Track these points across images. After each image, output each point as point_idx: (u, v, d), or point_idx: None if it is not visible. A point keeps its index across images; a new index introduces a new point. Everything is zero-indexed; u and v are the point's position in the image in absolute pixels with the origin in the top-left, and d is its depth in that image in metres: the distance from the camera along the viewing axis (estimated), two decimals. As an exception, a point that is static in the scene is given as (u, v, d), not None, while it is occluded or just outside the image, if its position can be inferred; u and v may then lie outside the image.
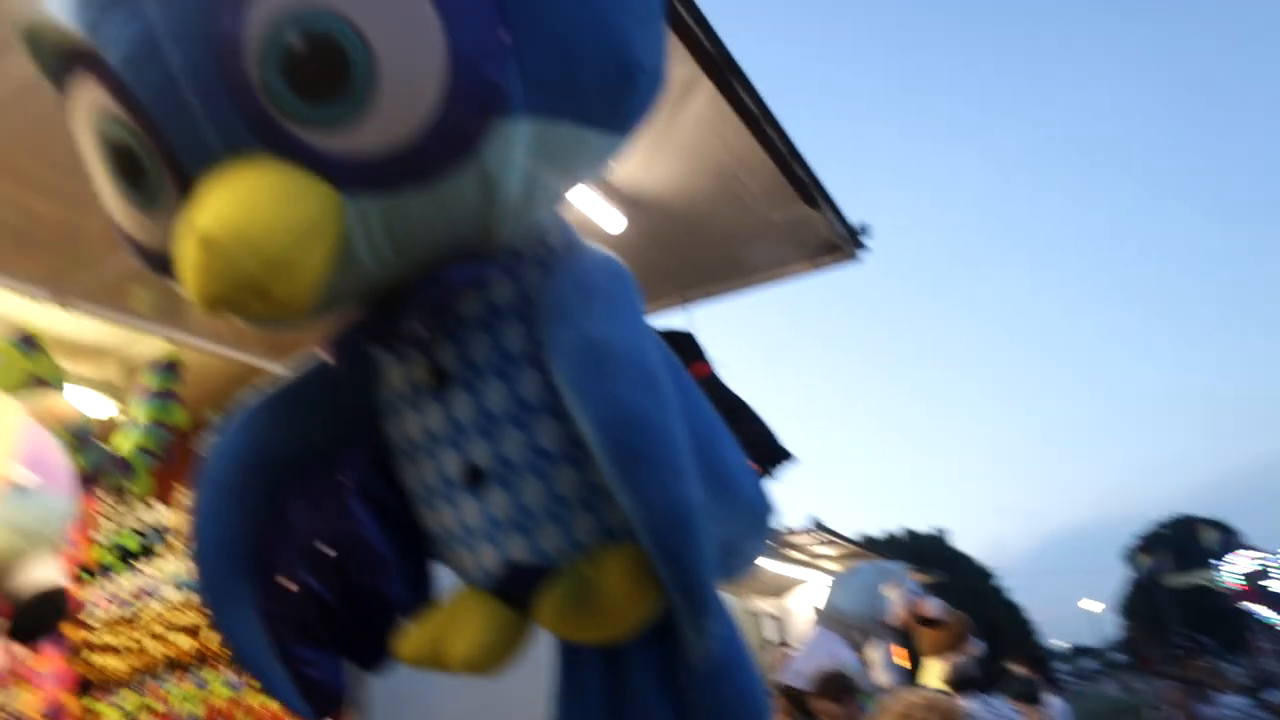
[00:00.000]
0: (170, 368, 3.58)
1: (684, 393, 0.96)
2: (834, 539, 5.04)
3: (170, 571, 4.29)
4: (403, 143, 0.72)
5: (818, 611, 4.34)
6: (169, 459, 3.62)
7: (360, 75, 0.69)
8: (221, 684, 3.92)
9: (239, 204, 0.70)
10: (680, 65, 2.10)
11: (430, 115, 0.72)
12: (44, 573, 1.54)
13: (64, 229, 2.64)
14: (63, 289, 2.90)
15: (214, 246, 0.69)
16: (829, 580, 5.64)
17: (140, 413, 3.50)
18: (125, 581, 4.42)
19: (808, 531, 4.87)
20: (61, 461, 1.61)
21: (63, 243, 2.71)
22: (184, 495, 4.39)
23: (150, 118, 0.75)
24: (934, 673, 5.26)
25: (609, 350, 0.80)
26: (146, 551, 4.46)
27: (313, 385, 1.11)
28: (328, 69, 0.69)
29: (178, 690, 4.03)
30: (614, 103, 0.85)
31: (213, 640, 4.00)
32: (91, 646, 4.43)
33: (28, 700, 4.28)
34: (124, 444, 3.46)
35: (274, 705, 3.78)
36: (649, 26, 0.87)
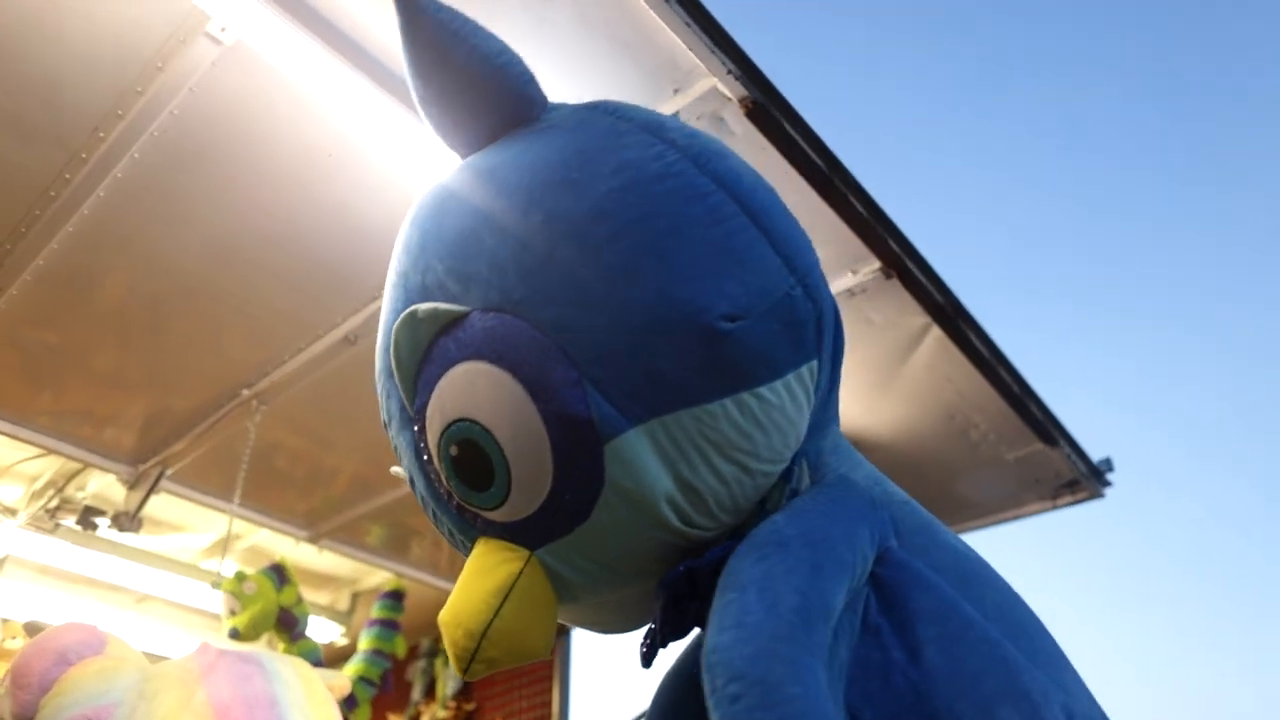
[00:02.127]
0: (395, 596, 3.75)
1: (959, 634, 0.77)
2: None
3: (375, 805, 4.27)
4: (544, 502, 0.82)
5: None
6: (385, 689, 3.70)
7: (496, 458, 0.82)
8: None
9: (459, 588, 0.85)
10: (910, 316, 2.11)
11: (553, 471, 0.81)
12: None
13: (321, 474, 2.92)
14: (314, 528, 3.16)
15: (444, 629, 0.83)
16: None
17: (364, 641, 3.64)
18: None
19: None
20: None
21: (317, 486, 2.99)
22: (394, 724, 4.45)
23: (437, 523, 0.97)
24: None
25: (714, 662, 0.67)
26: (354, 779, 4.49)
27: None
28: (476, 461, 0.83)
29: None
30: (714, 370, 0.79)
31: None
32: None
33: None
34: (347, 673, 3.59)
35: None
36: (727, 269, 0.79)
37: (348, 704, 3.50)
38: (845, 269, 2.00)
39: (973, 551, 0.89)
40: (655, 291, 0.78)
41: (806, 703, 0.63)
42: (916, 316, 2.11)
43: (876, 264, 1.97)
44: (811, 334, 0.85)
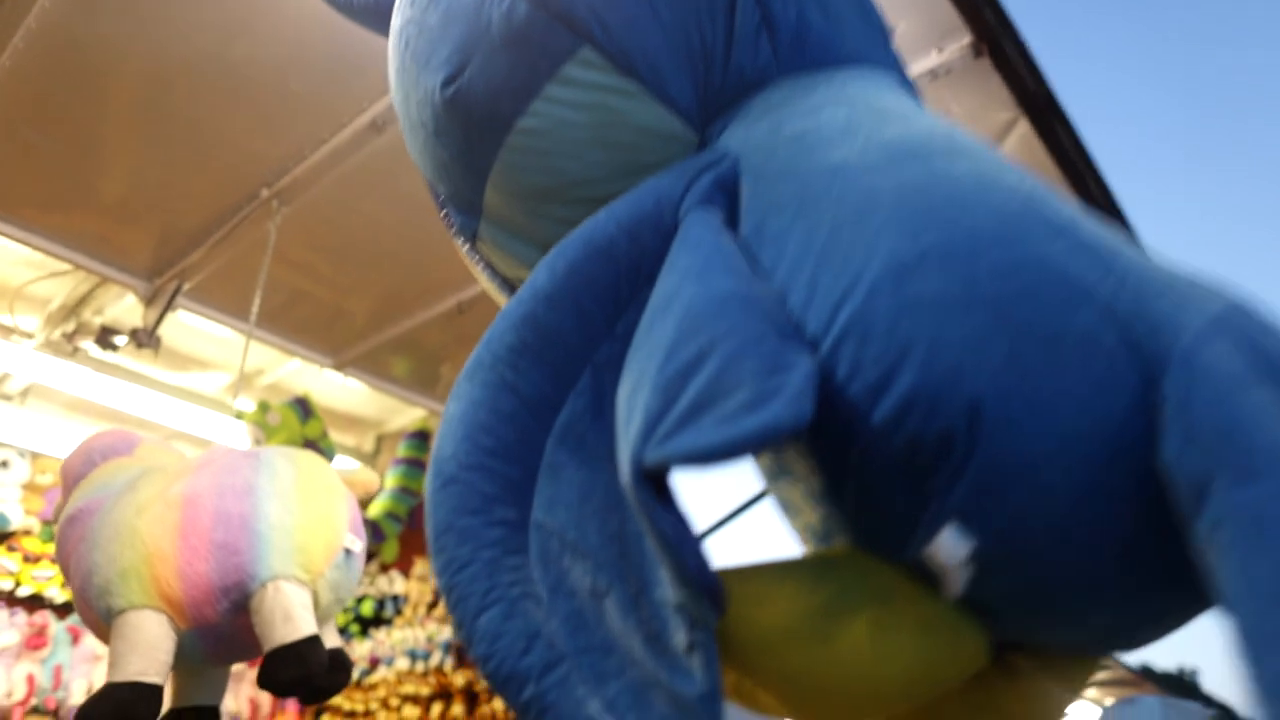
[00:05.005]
0: (422, 437, 3.70)
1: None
2: (1113, 663, 4.31)
3: (403, 641, 4.35)
4: None
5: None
6: (412, 526, 3.69)
7: None
8: (445, 761, 3.86)
9: None
10: (996, 110, 1.90)
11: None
12: (332, 636, 1.50)
13: (345, 288, 2.78)
14: (339, 354, 3.05)
15: None
16: (1092, 713, 4.87)
17: (390, 479, 3.61)
18: (360, 647, 4.52)
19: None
20: (362, 528, 1.61)
21: (342, 302, 2.85)
22: (421, 566, 4.49)
23: None
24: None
25: None
26: (380, 620, 4.57)
27: None
28: None
29: (403, 762, 4.01)
30: (471, 136, 0.82)
31: (438, 714, 3.98)
32: (325, 709, 4.55)
33: (267, 756, 4.43)
34: (373, 509, 3.57)
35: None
36: (442, 40, 0.82)
37: (375, 536, 3.50)
38: (931, 45, 1.78)
39: (875, 153, 0.64)
40: (413, 105, 0.85)
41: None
42: (1003, 110, 1.89)
43: (967, 38, 1.74)
44: (545, 31, 0.75)
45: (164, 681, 1.37)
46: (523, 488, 0.60)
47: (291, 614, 1.34)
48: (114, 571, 1.39)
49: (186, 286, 2.62)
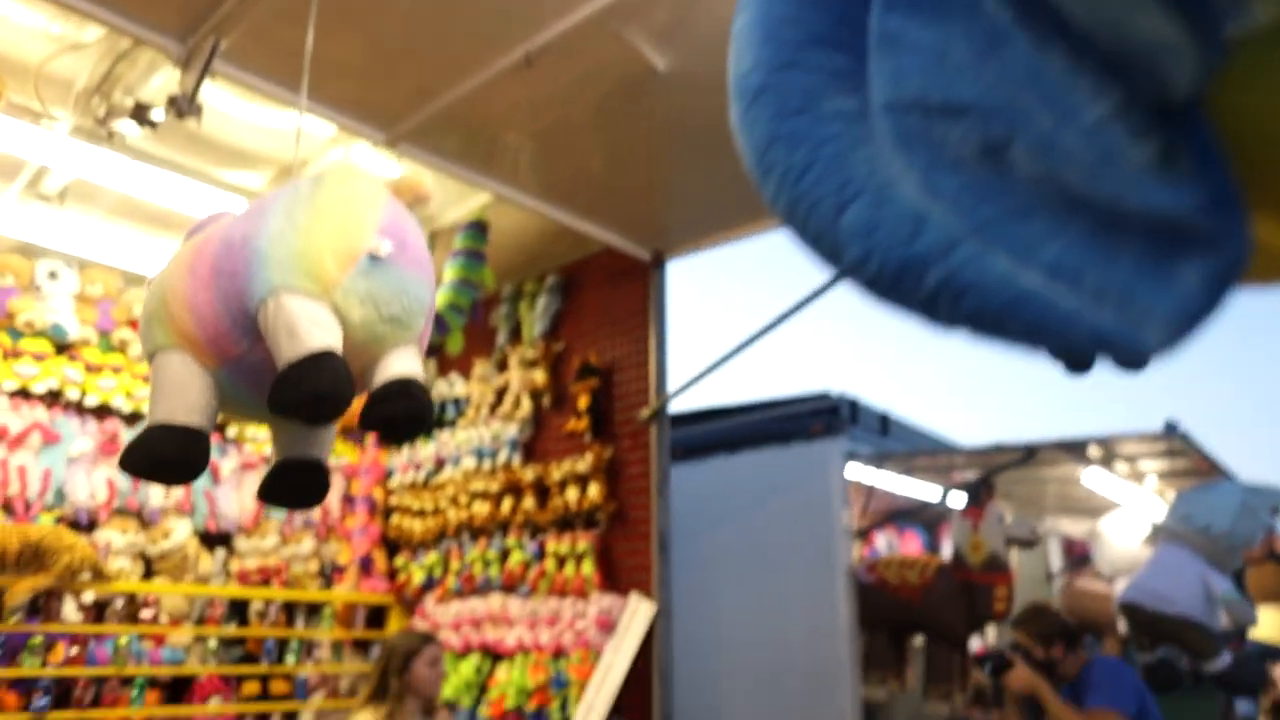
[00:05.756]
0: (479, 227, 3.52)
1: None
2: (1191, 451, 4.20)
3: (468, 440, 4.37)
4: None
5: (1160, 528, 3.69)
6: (474, 318, 3.58)
7: None
8: (519, 550, 3.94)
9: None
10: None
11: None
12: (403, 363, 1.30)
13: (400, 40, 2.50)
14: (393, 126, 2.81)
15: None
16: (1155, 499, 4.88)
17: (450, 272, 3.47)
18: (424, 450, 4.56)
19: (1157, 438, 4.08)
20: (418, 238, 1.38)
21: (396, 61, 2.58)
22: (481, 367, 4.44)
23: None
24: (1272, 623, 4.45)
25: None
26: (441, 423, 4.58)
27: None
28: None
29: (476, 554, 4.11)
30: None
31: (508, 509, 4.04)
32: (395, 509, 4.65)
33: (342, 552, 4.59)
34: (437, 302, 3.45)
35: (570, 574, 3.74)
36: None
37: (439, 329, 3.38)
38: None
39: None
40: None
41: None
42: None
43: None
44: None
45: (201, 421, 1.28)
46: (852, 74, 0.47)
47: (296, 329, 1.19)
48: (144, 320, 1.33)
49: (224, 46, 2.36)
